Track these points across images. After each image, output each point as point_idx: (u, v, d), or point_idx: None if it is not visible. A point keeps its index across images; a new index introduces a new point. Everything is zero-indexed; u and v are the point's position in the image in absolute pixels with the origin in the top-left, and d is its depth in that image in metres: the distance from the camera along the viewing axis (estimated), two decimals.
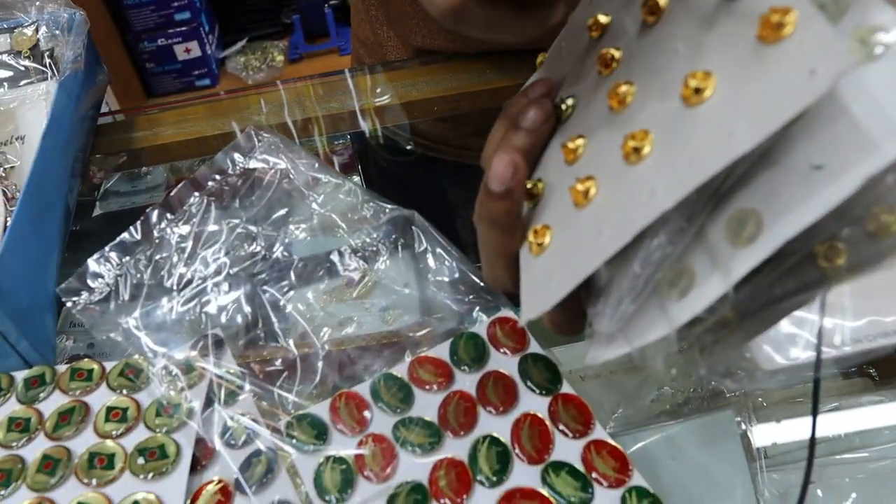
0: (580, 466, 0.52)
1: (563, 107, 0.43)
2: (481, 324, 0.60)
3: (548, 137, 0.44)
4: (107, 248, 0.62)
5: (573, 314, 0.42)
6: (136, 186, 1.09)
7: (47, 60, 0.84)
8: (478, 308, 0.62)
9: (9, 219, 0.68)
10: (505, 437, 0.53)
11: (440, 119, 0.97)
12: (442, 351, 0.59)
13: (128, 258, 0.62)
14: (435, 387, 0.57)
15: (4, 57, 0.85)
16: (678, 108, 0.32)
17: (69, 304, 0.61)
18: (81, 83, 0.83)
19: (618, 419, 0.58)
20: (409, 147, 1.02)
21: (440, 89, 0.86)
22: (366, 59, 1.00)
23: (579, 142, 0.40)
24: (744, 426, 0.56)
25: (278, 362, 0.59)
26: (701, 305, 0.31)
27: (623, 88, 0.36)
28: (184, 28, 2.23)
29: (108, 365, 0.60)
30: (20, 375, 0.61)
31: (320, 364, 0.58)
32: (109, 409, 0.57)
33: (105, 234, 0.87)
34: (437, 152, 1.02)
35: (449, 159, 1.02)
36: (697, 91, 0.31)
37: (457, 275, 0.63)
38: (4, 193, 0.70)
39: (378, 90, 0.87)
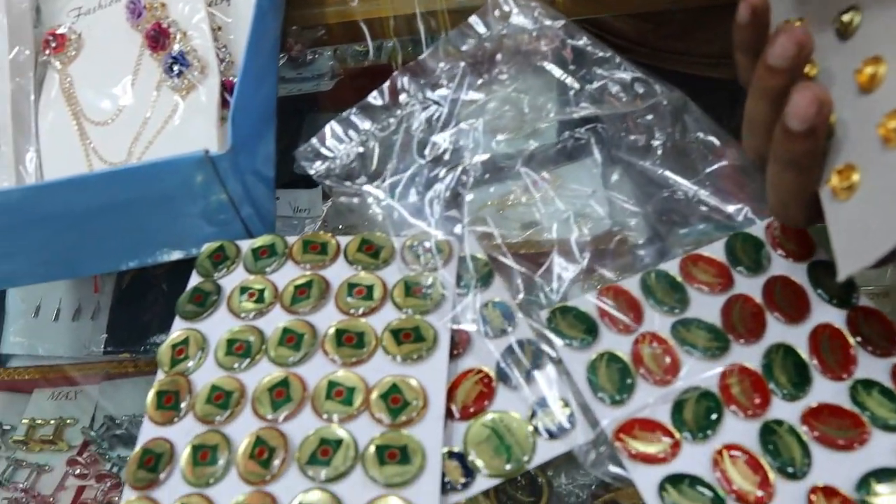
0: (893, 387, 0.45)
1: (845, 20, 0.36)
2: (758, 225, 0.53)
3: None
4: (349, 112, 0.57)
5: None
6: (301, 73, 1.04)
7: None
8: (748, 209, 0.55)
9: (226, 81, 0.64)
10: (801, 349, 0.47)
11: (640, 16, 0.89)
12: (716, 250, 0.52)
13: (372, 123, 0.57)
14: (714, 288, 0.50)
15: None
16: None
17: (310, 170, 0.56)
18: None
19: None
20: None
21: None
22: None
23: (879, 68, 0.33)
24: None
25: (531, 250, 0.53)
26: None
27: None
28: None
29: (342, 240, 0.56)
30: (246, 244, 0.57)
31: (580, 253, 0.53)
32: (352, 286, 0.52)
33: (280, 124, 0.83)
34: (632, 54, 0.94)
35: (644, 62, 0.93)
36: None
37: (726, 169, 0.56)
38: (218, 56, 0.66)
39: None
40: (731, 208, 0.54)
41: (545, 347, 0.49)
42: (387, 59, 0.94)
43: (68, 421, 0.85)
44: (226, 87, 0.65)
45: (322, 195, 0.92)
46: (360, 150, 0.56)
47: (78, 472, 0.81)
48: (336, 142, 0.57)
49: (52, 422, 0.85)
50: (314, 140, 0.56)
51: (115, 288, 0.91)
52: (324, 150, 0.57)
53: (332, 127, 0.57)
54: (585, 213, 0.61)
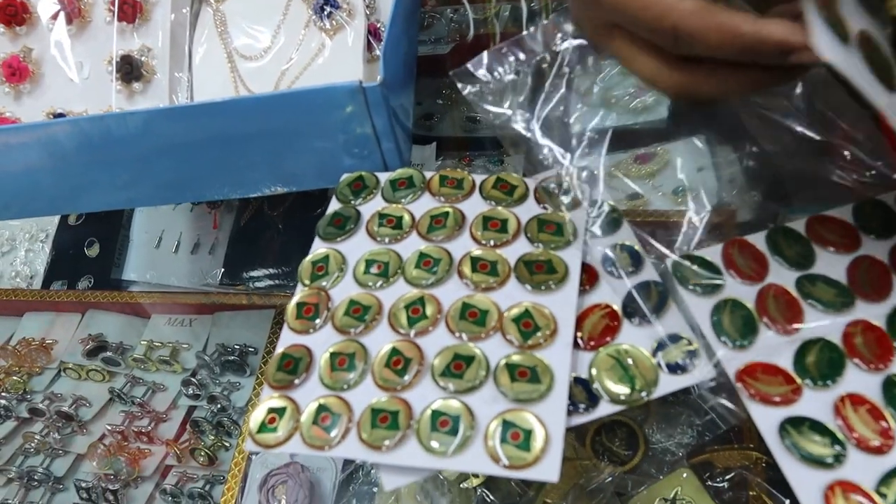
0: None
1: None
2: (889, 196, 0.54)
3: None
4: (504, 45, 0.59)
5: None
6: (420, 36, 1.07)
7: None
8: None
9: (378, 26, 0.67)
10: None
11: None
12: (844, 213, 0.53)
13: (526, 57, 0.59)
14: (840, 248, 0.51)
15: None
16: None
17: (464, 90, 0.58)
18: None
19: None
20: None
21: None
22: None
23: None
24: None
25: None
26: None
27: None
28: None
29: (478, 177, 0.58)
30: (385, 176, 0.60)
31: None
32: (486, 219, 0.55)
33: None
34: None
35: None
36: None
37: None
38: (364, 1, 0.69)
39: None
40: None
41: (671, 289, 0.50)
42: (503, 26, 0.96)
43: (184, 345, 0.90)
44: (370, 31, 0.68)
45: (435, 152, 0.95)
46: (513, 77, 0.58)
47: (191, 391, 0.85)
48: (488, 70, 0.59)
49: (169, 344, 0.90)
50: (469, 65, 0.59)
51: (234, 225, 0.96)
52: (479, 74, 0.59)
53: (487, 55, 0.59)
54: (691, 188, 0.63)
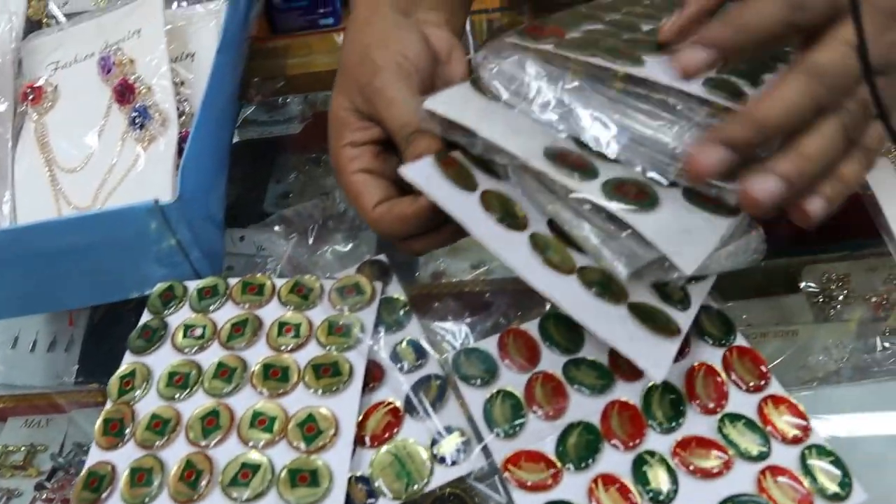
0: (757, 420, 0.50)
1: None
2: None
3: None
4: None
5: None
6: (273, 116, 1.10)
7: None
8: None
9: (183, 131, 0.69)
10: (679, 385, 0.52)
11: None
12: None
13: None
14: None
15: None
16: None
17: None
18: (247, 3, 0.84)
19: (793, 376, 0.56)
20: None
21: None
22: None
23: None
24: None
25: (445, 297, 0.59)
26: None
27: None
28: None
29: (278, 281, 0.61)
30: (193, 285, 0.63)
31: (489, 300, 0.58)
32: (282, 324, 0.58)
33: (243, 161, 0.88)
34: None
35: None
36: None
37: None
38: (178, 110, 0.72)
39: None
40: None
41: (450, 383, 0.54)
42: None
43: (39, 448, 0.90)
44: (184, 139, 0.71)
45: (285, 234, 0.98)
46: None
47: (45, 496, 0.85)
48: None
49: (23, 448, 0.90)
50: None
51: (89, 322, 0.97)
52: None
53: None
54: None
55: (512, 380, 0.54)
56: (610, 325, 0.48)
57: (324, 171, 1.00)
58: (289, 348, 0.56)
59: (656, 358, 0.47)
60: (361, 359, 0.55)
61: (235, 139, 1.04)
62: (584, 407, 0.52)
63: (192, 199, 0.61)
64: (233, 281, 0.62)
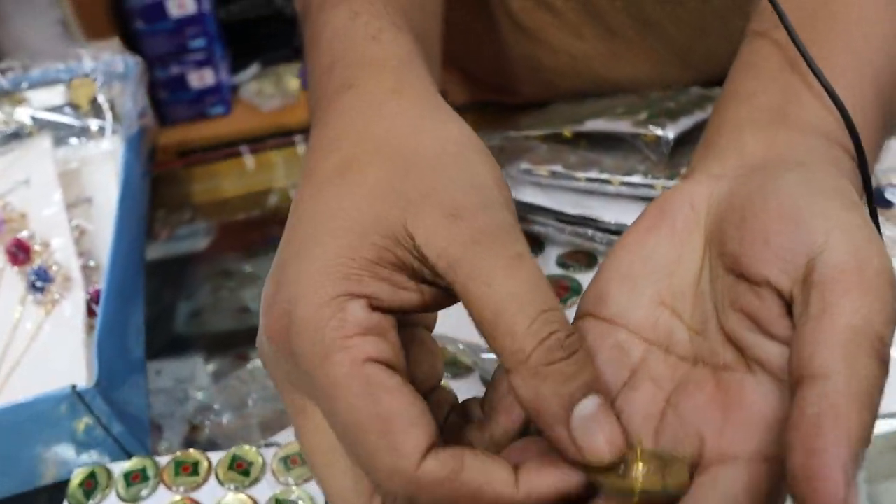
0: None
1: None
2: None
3: None
4: None
5: None
6: (177, 233, 1.05)
7: (108, 115, 0.80)
8: None
9: (92, 304, 0.64)
10: None
11: None
12: None
13: None
14: None
15: (64, 111, 0.81)
16: None
17: None
18: (142, 136, 0.79)
19: None
20: None
21: None
22: None
23: None
24: None
25: None
26: None
27: None
28: (198, 55, 2.19)
29: (214, 457, 0.56)
30: (118, 469, 0.57)
31: None
32: None
33: (148, 283, 0.82)
34: None
35: None
36: None
37: None
38: (81, 264, 0.66)
39: None
40: None
41: None
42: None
43: None
44: (92, 298, 0.65)
45: (204, 361, 0.92)
46: None
47: None
48: None
49: None
50: None
51: None
52: None
53: None
54: None
55: None
56: None
57: (237, 284, 0.96)
58: None
59: None
60: None
61: None
62: None
63: (112, 376, 0.55)
64: (163, 461, 0.56)
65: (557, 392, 0.29)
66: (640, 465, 0.30)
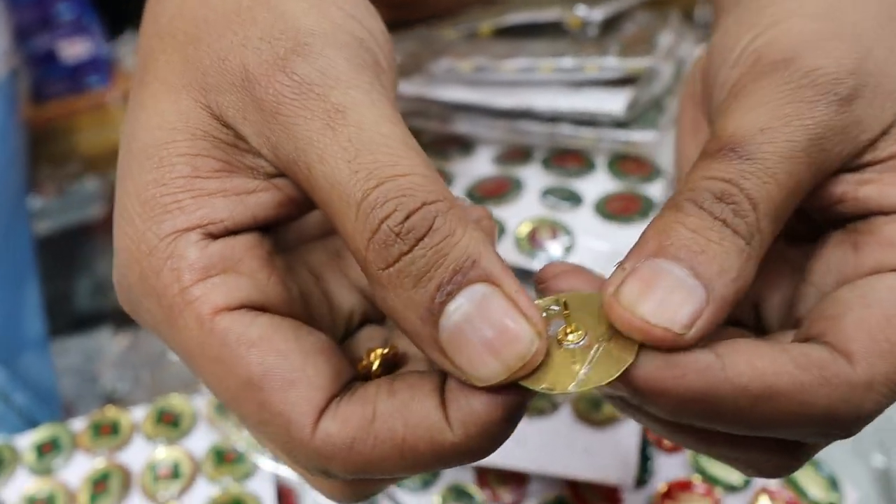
0: None
1: None
2: None
3: None
4: None
5: None
6: (68, 201, 0.96)
7: None
8: None
9: None
10: None
11: None
12: None
13: None
14: None
15: None
16: None
17: None
18: (14, 82, 0.70)
19: None
20: None
21: None
22: None
23: None
24: None
25: None
26: None
27: None
28: (68, 25, 2.04)
29: (138, 412, 0.50)
30: (25, 441, 0.50)
31: None
32: (153, 466, 0.46)
33: (53, 264, 0.75)
34: None
35: None
36: None
37: None
38: None
39: None
40: None
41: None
42: None
43: None
44: None
45: (113, 333, 0.84)
46: None
47: None
48: None
49: None
50: None
51: None
52: None
53: None
54: None
55: None
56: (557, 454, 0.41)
57: None
58: (174, 496, 0.45)
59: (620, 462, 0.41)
60: (269, 485, 0.45)
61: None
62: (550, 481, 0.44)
63: (10, 353, 0.48)
64: (78, 424, 0.49)
65: (410, 302, 0.21)
66: (572, 356, 0.22)
